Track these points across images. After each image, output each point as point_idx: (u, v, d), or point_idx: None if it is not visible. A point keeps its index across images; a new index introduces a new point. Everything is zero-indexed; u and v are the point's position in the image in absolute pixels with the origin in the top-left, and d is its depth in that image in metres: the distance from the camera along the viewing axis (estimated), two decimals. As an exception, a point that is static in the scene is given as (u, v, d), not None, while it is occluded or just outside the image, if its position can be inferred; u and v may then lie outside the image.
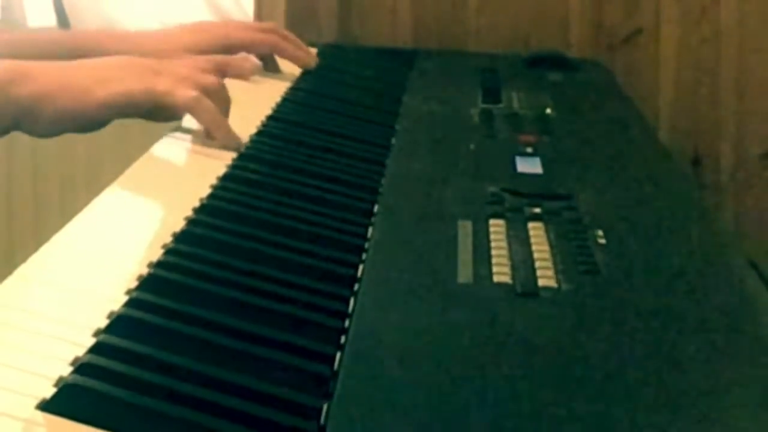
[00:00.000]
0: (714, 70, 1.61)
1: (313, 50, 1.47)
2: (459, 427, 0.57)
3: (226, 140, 1.05)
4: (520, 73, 1.43)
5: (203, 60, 1.18)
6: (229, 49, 1.33)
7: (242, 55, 1.36)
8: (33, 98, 0.99)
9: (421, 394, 0.60)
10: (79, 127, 1.04)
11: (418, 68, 1.47)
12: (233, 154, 1.02)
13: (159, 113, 1.06)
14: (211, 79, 1.08)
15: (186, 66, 1.10)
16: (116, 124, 1.11)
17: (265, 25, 1.45)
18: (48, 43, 1.29)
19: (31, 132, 1.02)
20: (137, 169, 0.98)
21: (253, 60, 1.38)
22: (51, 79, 1.01)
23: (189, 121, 1.14)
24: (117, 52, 1.14)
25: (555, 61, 1.49)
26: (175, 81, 1.05)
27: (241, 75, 1.29)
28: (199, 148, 1.08)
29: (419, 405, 0.59)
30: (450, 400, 0.59)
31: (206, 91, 1.06)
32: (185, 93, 1.04)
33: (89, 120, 1.03)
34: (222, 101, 1.08)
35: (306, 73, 1.39)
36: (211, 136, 1.06)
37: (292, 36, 1.42)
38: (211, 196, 0.90)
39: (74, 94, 1.01)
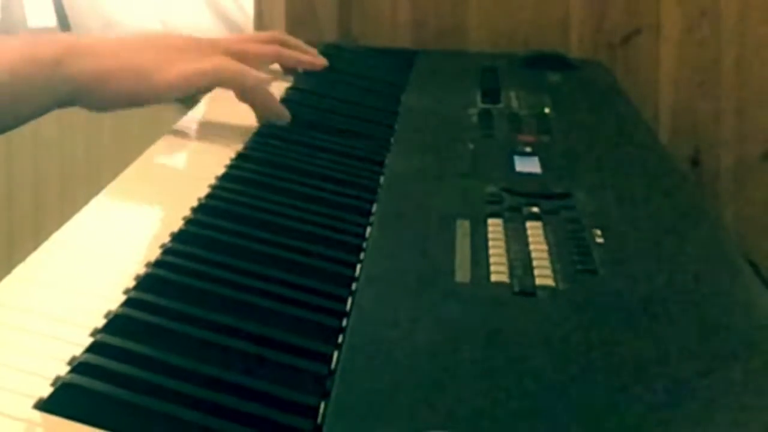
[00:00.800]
0: (714, 70, 1.61)
1: (313, 50, 1.46)
2: (457, 426, 0.57)
3: (283, 114, 1.10)
4: (520, 73, 1.43)
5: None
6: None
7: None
8: (93, 76, 1.00)
9: (418, 394, 0.60)
10: (138, 106, 1.05)
11: (418, 68, 1.47)
12: (232, 154, 1.02)
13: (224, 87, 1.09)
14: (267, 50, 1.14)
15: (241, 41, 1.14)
16: (116, 124, 1.11)
17: (265, 35, 1.44)
18: None
19: (88, 107, 1.03)
20: (136, 168, 0.98)
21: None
22: (112, 56, 1.02)
23: (189, 121, 1.14)
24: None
25: (554, 61, 1.48)
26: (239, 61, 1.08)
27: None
28: (198, 148, 1.08)
29: (416, 404, 0.59)
30: (447, 400, 0.59)
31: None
32: (254, 75, 1.08)
33: (150, 101, 1.05)
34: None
35: (305, 73, 1.39)
36: (266, 113, 1.11)
37: (294, 40, 1.41)
38: (209, 196, 0.90)
39: (137, 76, 1.02)
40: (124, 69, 1.02)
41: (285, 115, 1.12)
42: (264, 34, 1.45)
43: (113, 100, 1.03)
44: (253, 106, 1.12)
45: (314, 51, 1.42)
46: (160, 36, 1.11)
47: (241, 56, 1.33)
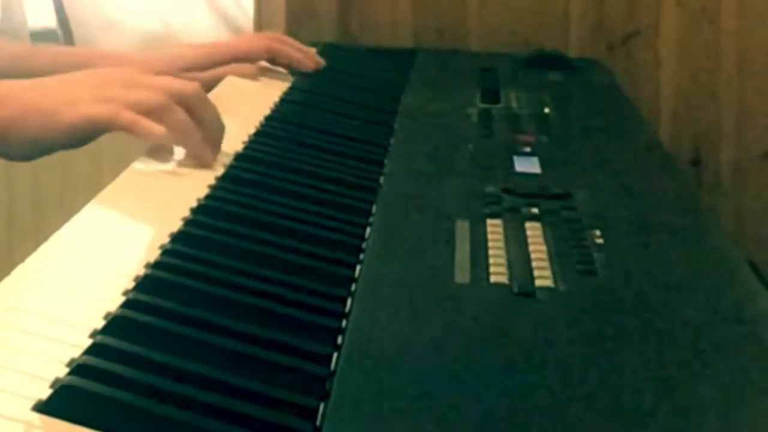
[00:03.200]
0: (714, 70, 1.61)
1: (313, 50, 1.46)
2: (456, 427, 0.57)
3: (203, 158, 1.00)
4: (520, 73, 1.43)
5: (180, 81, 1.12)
6: (228, 60, 1.33)
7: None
8: (2, 124, 0.96)
9: (418, 395, 0.60)
10: (51, 150, 1.00)
11: (418, 68, 1.47)
12: (232, 154, 1.02)
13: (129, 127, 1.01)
14: (190, 91, 1.02)
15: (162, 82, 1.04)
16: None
17: (261, 35, 1.44)
18: (51, 58, 1.29)
19: (7, 156, 0.99)
20: (136, 169, 0.98)
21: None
22: (21, 101, 0.97)
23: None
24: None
25: (554, 61, 1.48)
26: (147, 103, 1.00)
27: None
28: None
29: (416, 405, 0.59)
30: (447, 401, 0.59)
31: (185, 104, 1.01)
32: (149, 126, 0.99)
33: (57, 144, 0.99)
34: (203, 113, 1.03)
35: (305, 73, 1.39)
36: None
37: (290, 40, 1.41)
38: (208, 197, 0.90)
39: (42, 117, 0.97)
40: (28, 113, 0.97)
41: (206, 157, 1.00)
42: (260, 34, 1.45)
43: (24, 146, 0.98)
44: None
45: (312, 51, 1.42)
46: (82, 73, 1.04)
47: (234, 58, 1.33)
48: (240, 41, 1.38)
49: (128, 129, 0.98)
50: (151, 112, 0.98)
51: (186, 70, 1.28)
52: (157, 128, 0.98)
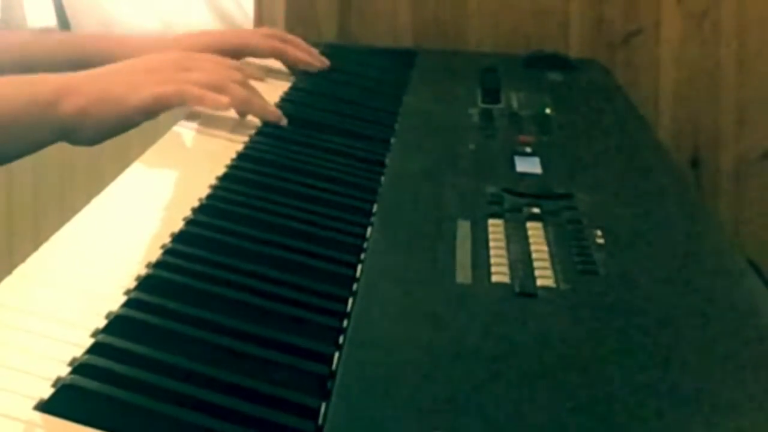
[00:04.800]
0: (714, 70, 1.61)
1: (314, 50, 1.46)
2: (457, 426, 0.57)
3: (268, 113, 1.13)
4: (520, 73, 1.43)
5: (222, 59, 1.20)
6: (234, 55, 1.33)
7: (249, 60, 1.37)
8: (75, 114, 1.04)
9: (419, 394, 0.60)
10: (120, 132, 1.09)
11: (418, 68, 1.47)
12: (232, 154, 1.02)
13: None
14: (237, 75, 1.14)
15: (211, 62, 1.15)
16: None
17: (268, 30, 1.44)
18: (58, 46, 1.30)
19: (77, 143, 1.07)
20: (136, 169, 0.98)
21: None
22: (90, 91, 1.05)
23: (189, 121, 1.14)
24: (122, 57, 1.16)
25: (554, 61, 1.48)
26: (206, 81, 1.11)
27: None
28: (198, 148, 1.08)
29: (417, 405, 0.59)
30: (448, 400, 0.59)
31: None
32: (216, 97, 1.10)
33: (127, 126, 1.08)
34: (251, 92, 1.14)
35: (306, 73, 1.39)
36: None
37: (296, 39, 1.41)
38: (209, 197, 0.90)
39: (111, 105, 1.06)
40: (98, 101, 1.05)
41: (275, 116, 1.14)
42: (267, 30, 1.45)
43: (96, 132, 1.06)
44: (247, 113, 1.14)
45: (314, 51, 1.42)
46: (133, 61, 1.13)
47: (239, 50, 1.34)
48: (251, 36, 1.39)
49: (198, 101, 1.09)
50: (211, 88, 1.10)
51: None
52: (224, 98, 1.10)
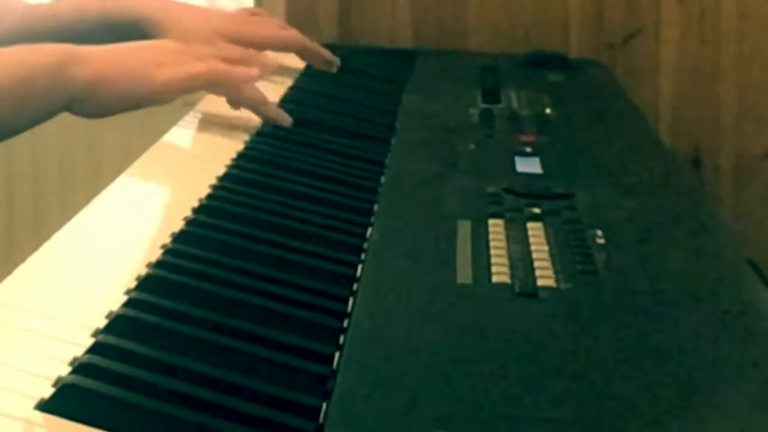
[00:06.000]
0: (714, 70, 1.61)
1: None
2: (457, 426, 0.57)
3: (278, 115, 1.13)
4: (520, 73, 1.43)
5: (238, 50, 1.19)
6: (255, 45, 1.33)
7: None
8: (89, 80, 0.99)
9: (419, 394, 0.60)
10: (132, 109, 1.05)
11: (418, 68, 1.47)
12: (232, 154, 1.02)
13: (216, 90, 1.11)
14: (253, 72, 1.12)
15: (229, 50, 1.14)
16: (116, 124, 1.11)
17: (288, 26, 1.44)
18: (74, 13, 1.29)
19: (83, 113, 1.02)
20: (136, 169, 0.98)
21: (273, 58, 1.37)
22: (106, 62, 1.01)
23: (189, 121, 1.14)
24: (149, 14, 1.16)
25: (555, 61, 1.48)
26: (230, 58, 1.09)
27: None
28: (198, 148, 1.08)
29: (418, 405, 0.59)
30: (448, 400, 0.59)
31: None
32: (244, 70, 1.08)
33: (144, 103, 1.04)
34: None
35: (306, 73, 1.39)
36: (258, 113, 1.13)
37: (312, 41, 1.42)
38: (209, 197, 0.90)
39: (131, 77, 1.02)
40: (118, 72, 1.02)
41: (283, 118, 1.13)
42: (277, 21, 1.44)
43: (109, 105, 1.02)
44: (250, 109, 1.13)
45: (328, 52, 1.42)
46: (149, 42, 1.10)
47: (256, 42, 1.33)
48: (278, 31, 1.37)
49: (225, 77, 1.07)
50: (236, 62, 1.08)
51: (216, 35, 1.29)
52: (252, 69, 1.08)
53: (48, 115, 0.99)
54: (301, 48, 1.36)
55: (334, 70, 1.38)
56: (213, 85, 1.08)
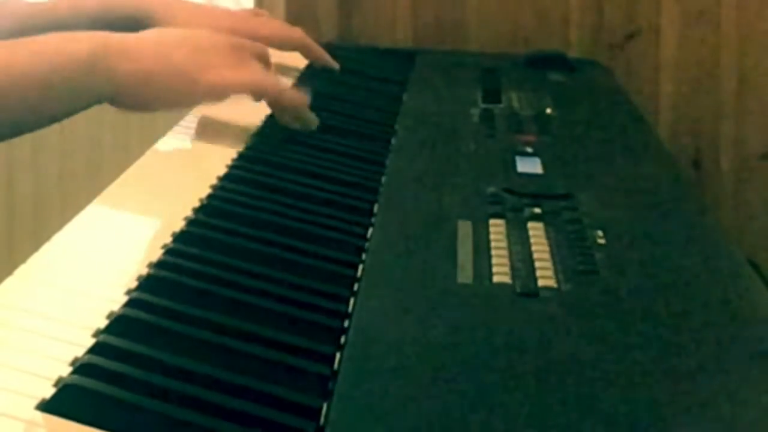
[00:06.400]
0: (714, 70, 1.61)
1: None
2: (457, 427, 0.57)
3: (310, 120, 1.12)
4: (520, 73, 1.43)
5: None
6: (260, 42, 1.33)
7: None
8: (135, 77, 0.98)
9: (420, 394, 0.60)
10: (175, 108, 1.06)
11: (419, 68, 1.47)
12: (233, 154, 1.02)
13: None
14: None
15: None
16: (116, 124, 1.11)
17: (289, 26, 1.44)
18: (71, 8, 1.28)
19: (124, 107, 1.01)
20: (137, 169, 0.98)
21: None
22: (152, 58, 1.00)
23: (189, 121, 1.14)
24: (152, 15, 1.15)
25: (555, 61, 1.48)
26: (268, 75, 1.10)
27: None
28: (198, 148, 1.08)
29: (418, 405, 0.59)
30: (449, 400, 0.59)
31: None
32: (296, 94, 1.11)
33: (190, 105, 1.06)
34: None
35: (306, 73, 1.39)
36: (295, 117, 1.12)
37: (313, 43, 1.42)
38: (210, 196, 0.90)
39: (178, 80, 1.01)
40: (166, 71, 1.00)
41: (313, 122, 1.12)
42: (290, 27, 1.44)
43: (153, 102, 1.01)
44: (282, 112, 1.13)
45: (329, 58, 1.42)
46: (193, 34, 1.07)
47: (261, 40, 1.32)
48: (282, 30, 1.37)
49: (271, 92, 1.08)
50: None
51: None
52: (302, 95, 1.11)
53: (82, 107, 0.97)
54: (304, 47, 1.36)
55: (336, 67, 1.38)
56: (257, 94, 1.08)
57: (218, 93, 1.03)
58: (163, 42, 1.03)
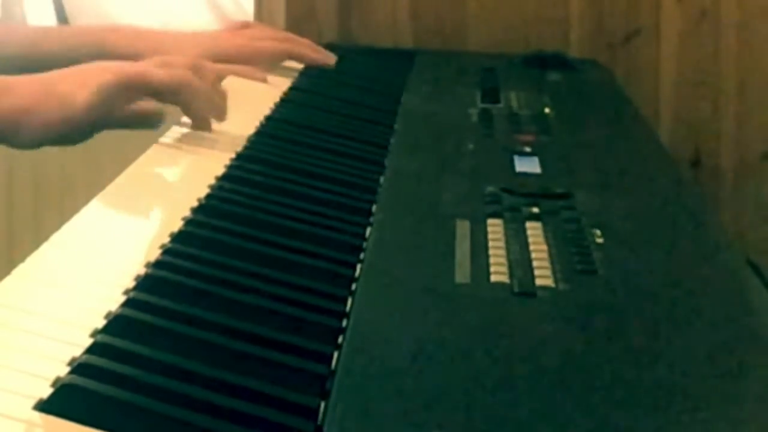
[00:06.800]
0: (714, 70, 1.61)
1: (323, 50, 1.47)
2: (456, 426, 0.57)
3: (219, 116, 1.08)
4: (519, 73, 1.43)
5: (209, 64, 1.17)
6: (247, 58, 1.33)
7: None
8: (16, 110, 0.98)
9: (418, 394, 0.60)
10: (65, 136, 1.03)
11: (418, 68, 1.47)
12: (232, 154, 1.02)
13: (141, 95, 1.06)
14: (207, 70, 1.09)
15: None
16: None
17: (281, 34, 1.45)
18: (63, 38, 1.29)
19: (14, 144, 1.01)
20: (136, 168, 0.98)
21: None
22: (33, 90, 0.99)
23: (187, 121, 1.14)
24: (137, 49, 1.14)
25: (554, 61, 1.48)
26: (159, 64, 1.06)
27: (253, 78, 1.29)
28: (197, 148, 1.08)
29: (416, 405, 0.59)
30: (447, 400, 0.59)
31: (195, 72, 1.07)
32: (168, 71, 1.04)
33: (75, 125, 1.02)
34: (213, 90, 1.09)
35: (305, 73, 1.39)
36: (199, 117, 1.08)
37: (304, 41, 1.42)
38: (209, 196, 0.90)
39: (58, 102, 0.99)
40: (47, 98, 0.99)
41: (221, 116, 1.09)
42: (279, 33, 1.45)
43: (40, 132, 1.00)
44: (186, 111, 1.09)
45: (323, 50, 1.42)
46: (90, 66, 1.06)
47: (250, 56, 1.33)
48: (263, 44, 1.38)
49: (138, 78, 1.03)
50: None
51: (211, 58, 1.28)
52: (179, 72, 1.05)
53: None
54: (293, 56, 1.37)
55: (331, 63, 1.38)
56: (128, 88, 1.03)
57: (92, 105, 1.00)
58: (46, 77, 1.02)
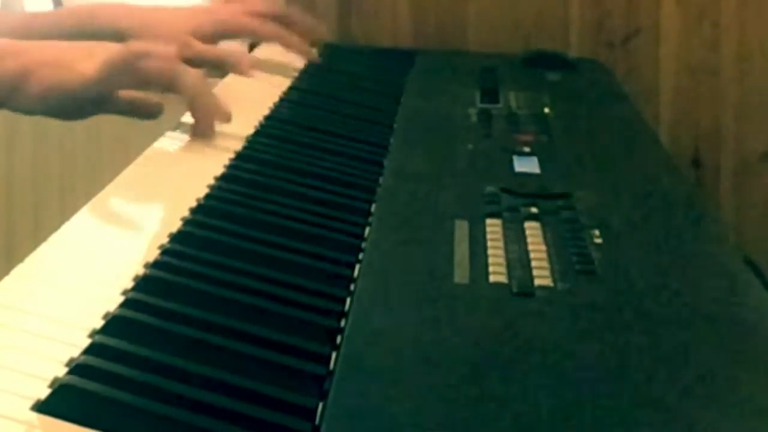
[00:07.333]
0: (714, 70, 1.61)
1: (313, 50, 1.46)
2: (454, 427, 0.57)
3: (217, 111, 1.08)
4: (519, 73, 1.43)
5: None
6: (234, 34, 1.33)
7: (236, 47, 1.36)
8: (18, 72, 0.99)
9: (416, 395, 0.60)
10: (63, 106, 1.04)
11: (418, 68, 1.47)
12: (231, 154, 1.02)
13: (144, 80, 1.06)
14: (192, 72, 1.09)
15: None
16: (117, 123, 1.11)
17: (272, 9, 1.44)
18: (52, 21, 1.29)
19: (17, 108, 1.02)
20: (135, 169, 0.98)
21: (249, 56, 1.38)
22: (35, 55, 1.01)
23: (188, 121, 1.14)
24: (125, 25, 1.14)
25: (554, 61, 1.48)
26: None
27: (240, 72, 1.29)
28: (196, 148, 1.08)
29: (414, 405, 0.59)
30: (445, 400, 0.59)
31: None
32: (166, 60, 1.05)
33: (76, 94, 1.02)
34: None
35: (305, 73, 1.39)
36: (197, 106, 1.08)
37: (296, 15, 1.41)
38: (207, 197, 0.90)
39: (59, 68, 1.01)
40: (48, 63, 1.01)
41: (221, 113, 1.10)
42: (271, 9, 1.44)
43: (40, 96, 1.01)
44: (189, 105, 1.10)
45: (315, 23, 1.42)
46: (94, 43, 1.08)
47: (236, 29, 1.33)
48: (252, 19, 1.37)
49: (136, 56, 1.03)
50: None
51: (191, 34, 1.28)
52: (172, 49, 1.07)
53: None
54: (279, 42, 1.37)
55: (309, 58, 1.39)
56: (129, 68, 1.04)
57: (92, 77, 1.01)
58: (51, 44, 1.04)
